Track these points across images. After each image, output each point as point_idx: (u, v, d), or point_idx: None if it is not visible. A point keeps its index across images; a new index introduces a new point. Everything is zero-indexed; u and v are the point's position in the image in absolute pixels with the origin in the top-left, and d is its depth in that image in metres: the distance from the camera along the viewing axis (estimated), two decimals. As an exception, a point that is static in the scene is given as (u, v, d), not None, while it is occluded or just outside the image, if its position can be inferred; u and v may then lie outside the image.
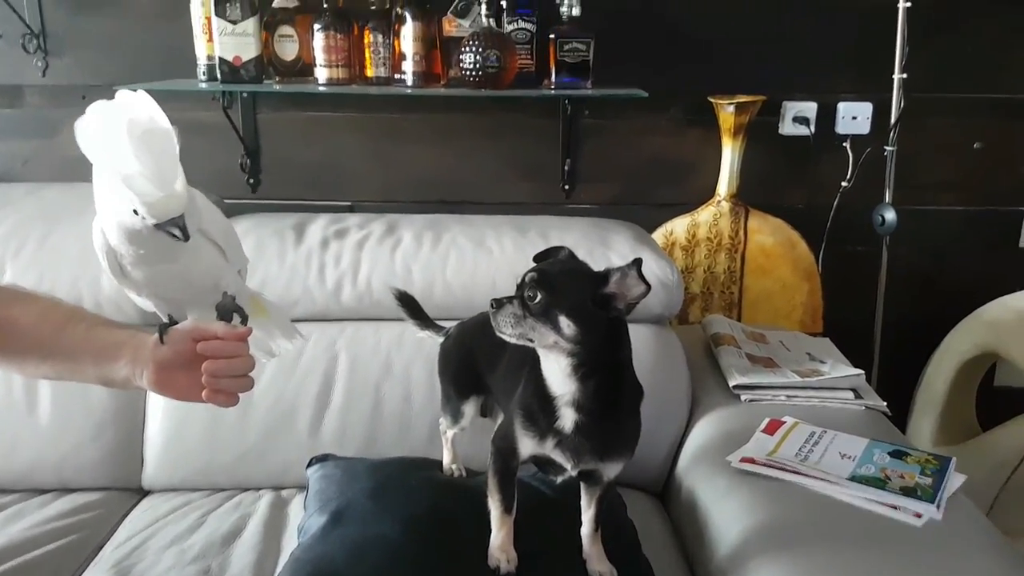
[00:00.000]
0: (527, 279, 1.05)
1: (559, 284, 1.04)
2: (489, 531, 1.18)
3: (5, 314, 1.00)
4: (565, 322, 1.03)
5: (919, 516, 1.25)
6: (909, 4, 1.93)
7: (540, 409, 1.10)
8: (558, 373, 1.07)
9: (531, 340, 1.05)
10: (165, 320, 1.03)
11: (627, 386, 1.13)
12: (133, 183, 0.83)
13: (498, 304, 1.06)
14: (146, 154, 0.84)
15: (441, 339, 1.43)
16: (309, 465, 1.46)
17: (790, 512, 1.28)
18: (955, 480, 1.35)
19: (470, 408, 1.35)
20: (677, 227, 2.13)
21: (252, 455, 1.55)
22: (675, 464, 1.59)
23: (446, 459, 1.44)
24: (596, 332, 1.05)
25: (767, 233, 2.13)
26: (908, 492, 1.30)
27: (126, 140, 0.83)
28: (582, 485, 1.22)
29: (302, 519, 1.33)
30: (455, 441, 1.44)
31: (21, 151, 2.09)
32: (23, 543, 1.36)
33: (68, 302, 1.10)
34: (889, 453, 1.41)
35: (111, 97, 0.87)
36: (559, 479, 1.17)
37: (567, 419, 1.09)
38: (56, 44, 2.02)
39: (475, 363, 1.33)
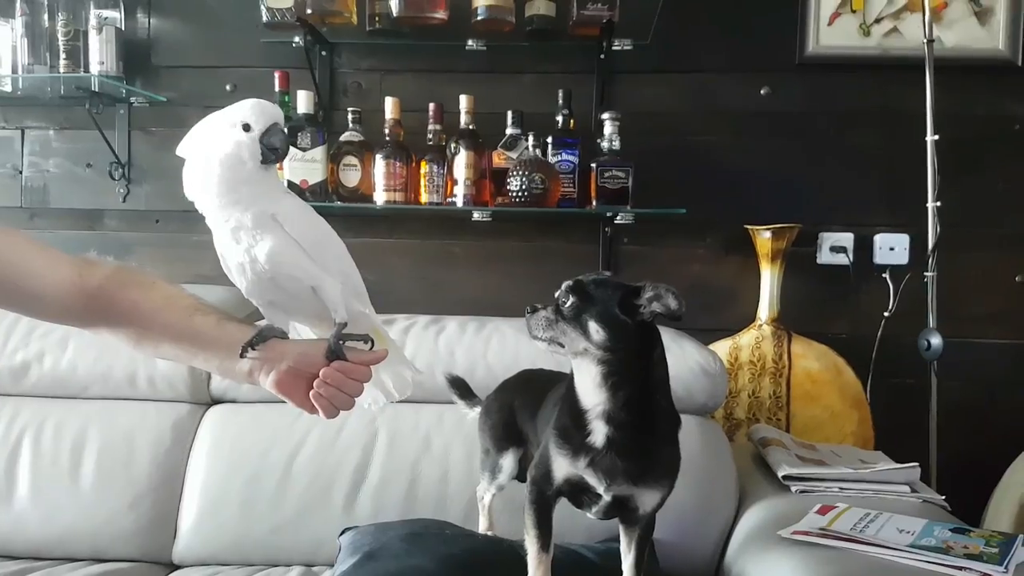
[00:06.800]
0: (563, 287, 1.09)
1: (590, 291, 1.08)
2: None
3: (122, 295, 1.04)
4: (594, 327, 1.05)
5: (987, 576, 1.16)
6: (937, 137, 2.03)
7: (573, 425, 1.10)
8: (589, 383, 1.08)
9: (561, 344, 1.08)
10: (278, 328, 1.05)
11: (661, 408, 1.12)
12: None
13: (532, 309, 1.11)
14: None
15: None
16: (342, 534, 1.43)
17: (848, 574, 1.19)
18: (1022, 552, 1.25)
19: (508, 461, 1.32)
20: (719, 350, 2.14)
21: (286, 529, 1.52)
22: (723, 556, 1.51)
23: (482, 525, 1.40)
24: (626, 340, 1.06)
25: (812, 358, 2.12)
26: (973, 558, 1.21)
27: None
28: (621, 527, 1.18)
29: (331, 572, 1.28)
30: (492, 508, 1.40)
31: (95, 270, 2.25)
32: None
33: (188, 291, 1.11)
34: (950, 530, 1.33)
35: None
36: (594, 510, 1.13)
37: (599, 433, 1.08)
38: (138, 174, 2.26)
39: (514, 415, 1.33)
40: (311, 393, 1.00)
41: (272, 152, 0.98)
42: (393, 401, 1.14)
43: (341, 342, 1.01)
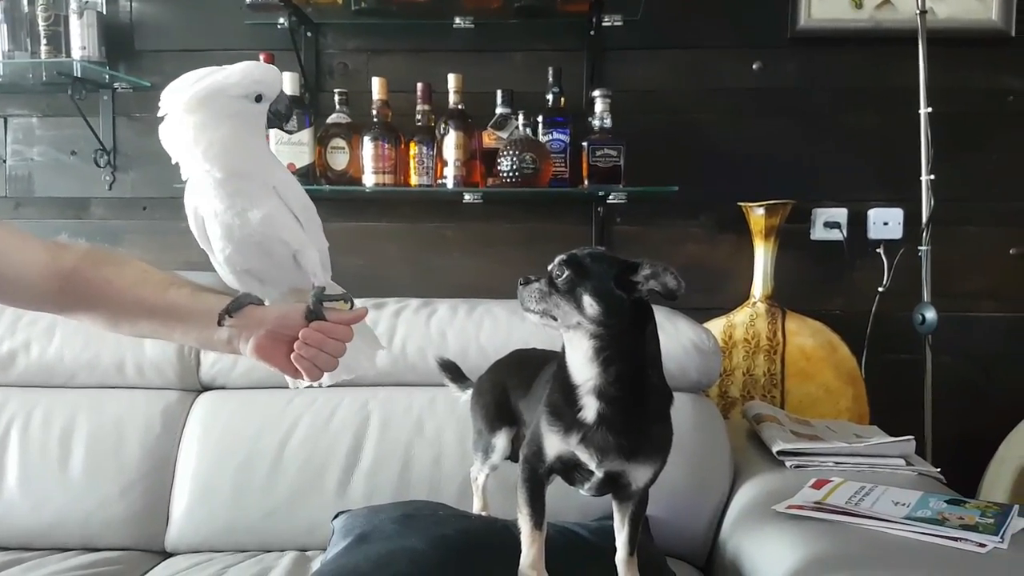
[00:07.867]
0: (557, 260, 1.08)
1: (586, 265, 1.06)
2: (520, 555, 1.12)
3: (96, 275, 1.03)
4: (588, 301, 1.04)
5: (983, 546, 1.15)
6: (930, 110, 2.01)
7: (564, 402, 1.09)
8: (581, 358, 1.06)
9: (554, 318, 1.06)
10: (254, 295, 1.03)
11: (653, 385, 1.10)
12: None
13: (526, 281, 1.09)
14: None
15: None
16: (335, 518, 1.41)
17: (844, 547, 1.19)
18: (1019, 522, 1.25)
19: (500, 441, 1.30)
20: (713, 328, 2.12)
21: (279, 514, 1.51)
22: (718, 533, 1.50)
23: (476, 506, 1.38)
24: (619, 316, 1.05)
25: (807, 335, 2.11)
26: (969, 529, 1.20)
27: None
28: (614, 503, 1.16)
29: (323, 555, 1.27)
30: (485, 488, 1.39)
31: (82, 259, 2.23)
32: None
33: (159, 268, 1.10)
34: (946, 501, 1.32)
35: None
36: (586, 487, 1.12)
37: (590, 409, 1.06)
38: (124, 160, 2.24)
39: (507, 394, 1.31)
40: (292, 356, 0.98)
41: (277, 117, 0.99)
42: (352, 376, 1.10)
43: (320, 303, 1.00)
